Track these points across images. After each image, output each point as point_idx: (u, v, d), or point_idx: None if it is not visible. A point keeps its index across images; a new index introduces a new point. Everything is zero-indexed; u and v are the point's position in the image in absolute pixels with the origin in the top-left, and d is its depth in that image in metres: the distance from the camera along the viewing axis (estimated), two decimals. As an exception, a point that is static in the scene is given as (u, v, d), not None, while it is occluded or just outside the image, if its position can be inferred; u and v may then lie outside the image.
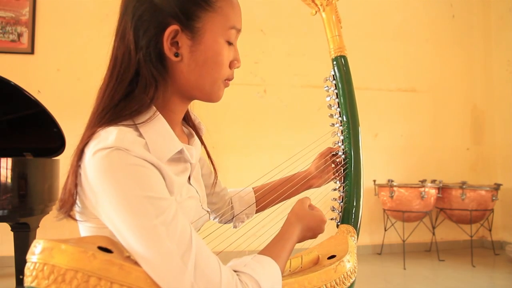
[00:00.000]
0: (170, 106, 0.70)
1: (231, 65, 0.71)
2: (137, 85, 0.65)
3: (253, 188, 1.05)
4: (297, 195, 1.01)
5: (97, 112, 0.65)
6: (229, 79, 0.72)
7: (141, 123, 0.63)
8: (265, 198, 1.01)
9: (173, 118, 0.71)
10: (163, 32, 0.64)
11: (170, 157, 0.66)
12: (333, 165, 1.05)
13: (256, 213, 1.03)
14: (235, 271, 0.61)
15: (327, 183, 1.06)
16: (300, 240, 0.78)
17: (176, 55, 0.66)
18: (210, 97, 0.71)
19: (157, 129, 0.64)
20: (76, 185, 0.60)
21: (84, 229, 0.65)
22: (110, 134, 0.58)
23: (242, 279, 0.59)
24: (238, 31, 0.71)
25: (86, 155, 0.59)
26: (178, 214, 0.57)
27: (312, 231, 0.80)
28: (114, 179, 0.55)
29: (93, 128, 0.62)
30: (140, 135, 0.62)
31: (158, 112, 0.66)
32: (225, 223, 1.02)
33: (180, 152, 0.69)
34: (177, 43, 0.66)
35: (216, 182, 0.94)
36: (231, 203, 1.02)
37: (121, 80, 0.65)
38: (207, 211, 0.83)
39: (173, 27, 0.64)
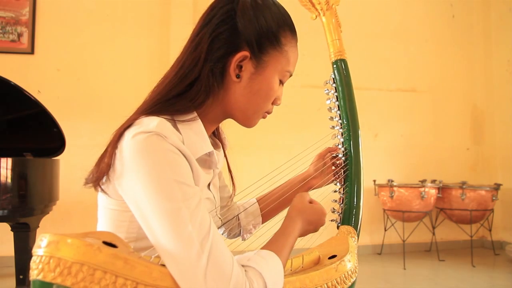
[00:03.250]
0: (210, 116, 0.76)
1: (273, 101, 0.79)
2: (191, 88, 0.71)
3: (256, 199, 1.06)
4: None
5: (151, 101, 0.71)
6: (269, 112, 0.80)
7: (180, 121, 0.69)
8: (269, 207, 1.03)
9: (208, 127, 0.77)
10: (235, 54, 0.72)
11: (198, 157, 0.70)
12: (333, 167, 1.06)
13: (262, 223, 1.04)
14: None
15: (327, 184, 1.06)
16: (301, 234, 0.79)
17: (237, 76, 0.73)
18: (248, 122, 0.79)
19: (194, 128, 0.70)
20: (110, 163, 0.64)
21: (105, 212, 0.68)
22: (152, 121, 0.63)
23: (247, 274, 0.60)
24: (291, 75, 0.79)
25: (126, 137, 0.63)
26: (201, 203, 0.61)
27: (314, 225, 0.81)
28: (149, 159, 0.59)
29: (139, 115, 0.67)
30: (178, 130, 0.68)
31: (198, 118, 0.72)
32: (233, 237, 1.03)
33: (209, 154, 0.74)
34: (241, 66, 0.73)
35: (233, 196, 0.97)
36: (238, 217, 1.03)
37: (182, 80, 0.71)
38: (220, 218, 0.86)
39: (245, 53, 0.72)
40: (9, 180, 1.91)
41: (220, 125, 0.86)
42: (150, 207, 0.57)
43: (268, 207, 1.02)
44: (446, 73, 3.97)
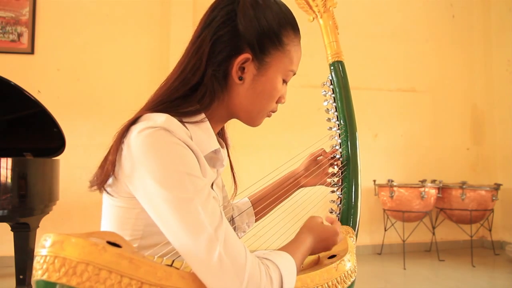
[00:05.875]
0: (215, 118, 0.77)
1: (278, 100, 0.79)
2: (196, 91, 0.72)
3: (248, 198, 1.07)
4: (291, 195, 1.05)
5: (154, 102, 0.71)
6: (273, 111, 0.80)
7: (188, 122, 0.69)
8: (262, 206, 1.04)
9: (213, 128, 0.77)
10: (237, 56, 0.71)
11: (205, 155, 0.70)
12: (331, 169, 1.07)
13: (256, 221, 1.05)
14: None
15: (319, 185, 1.07)
16: (313, 250, 0.78)
17: (240, 78, 0.73)
18: (253, 122, 0.79)
19: (202, 128, 0.71)
20: (115, 159, 0.64)
21: (111, 209, 0.68)
22: (160, 117, 0.64)
23: (264, 262, 0.62)
24: (294, 74, 0.79)
25: (133, 132, 0.63)
26: (210, 195, 0.61)
27: (325, 242, 0.79)
28: (158, 153, 0.60)
29: (146, 111, 0.67)
30: (186, 127, 0.68)
31: (207, 119, 0.72)
32: None
33: (215, 152, 0.75)
34: (244, 68, 0.73)
35: (235, 195, 0.97)
36: (233, 217, 1.04)
37: (185, 83, 0.72)
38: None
39: (246, 55, 0.72)
40: (9, 180, 1.91)
41: (225, 125, 0.86)
42: (162, 201, 0.58)
43: (261, 206, 1.04)
44: (446, 73, 3.97)
